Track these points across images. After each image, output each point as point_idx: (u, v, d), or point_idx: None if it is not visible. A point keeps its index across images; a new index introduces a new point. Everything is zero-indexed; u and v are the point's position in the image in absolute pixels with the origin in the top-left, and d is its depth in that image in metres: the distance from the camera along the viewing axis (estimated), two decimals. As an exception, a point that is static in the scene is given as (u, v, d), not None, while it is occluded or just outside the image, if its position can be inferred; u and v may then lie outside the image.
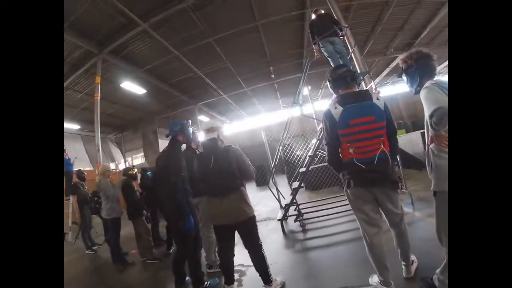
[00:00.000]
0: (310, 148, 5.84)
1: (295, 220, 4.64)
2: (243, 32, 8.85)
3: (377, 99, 2.03)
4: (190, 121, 3.22)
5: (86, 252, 5.32)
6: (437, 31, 11.55)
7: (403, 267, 2.30)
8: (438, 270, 1.91)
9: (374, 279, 2.27)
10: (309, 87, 13.35)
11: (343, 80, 2.16)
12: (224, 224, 2.57)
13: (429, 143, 1.86)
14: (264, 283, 2.61)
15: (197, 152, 3.06)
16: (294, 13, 8.43)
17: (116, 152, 17.16)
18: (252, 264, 2.66)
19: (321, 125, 3.76)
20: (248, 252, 2.64)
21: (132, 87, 10.26)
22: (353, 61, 5.84)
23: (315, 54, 5.28)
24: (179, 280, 2.93)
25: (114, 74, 9.60)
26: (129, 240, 4.81)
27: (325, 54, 5.07)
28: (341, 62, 4.74)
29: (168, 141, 3.00)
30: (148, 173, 5.24)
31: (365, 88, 4.93)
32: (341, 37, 5.15)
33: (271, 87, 14.78)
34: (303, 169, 4.65)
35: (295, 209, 4.71)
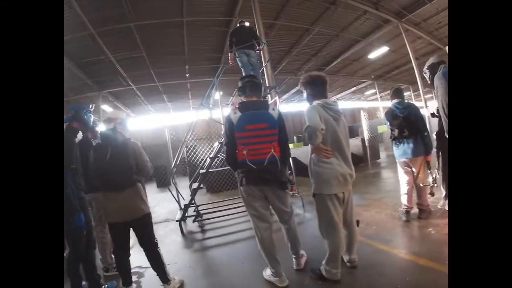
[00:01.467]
0: (213, 151, 6.08)
1: (194, 221, 4.74)
2: (167, 25, 8.64)
3: (273, 109, 2.35)
4: (92, 106, 2.98)
5: None
6: (347, 63, 13.64)
7: (293, 260, 2.62)
8: (323, 261, 2.33)
9: (267, 272, 2.51)
10: (221, 93, 13.82)
11: (245, 89, 2.43)
12: (119, 221, 2.48)
13: (311, 153, 2.31)
14: (162, 282, 2.60)
15: (93, 142, 2.90)
16: (221, 18, 8.73)
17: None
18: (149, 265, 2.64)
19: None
20: (144, 250, 2.60)
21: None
22: (264, 76, 6.43)
23: (230, 61, 5.62)
24: (74, 284, 2.65)
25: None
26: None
27: (239, 63, 5.47)
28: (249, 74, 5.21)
29: None
30: None
31: (264, 100, 5.50)
32: (257, 51, 5.61)
33: (184, 86, 14.59)
34: (203, 171, 4.82)
35: (194, 210, 4.81)
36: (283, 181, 2.36)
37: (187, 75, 12.73)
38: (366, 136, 9.75)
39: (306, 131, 2.15)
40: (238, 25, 5.80)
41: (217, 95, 14.67)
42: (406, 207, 3.45)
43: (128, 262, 2.62)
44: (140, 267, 3.17)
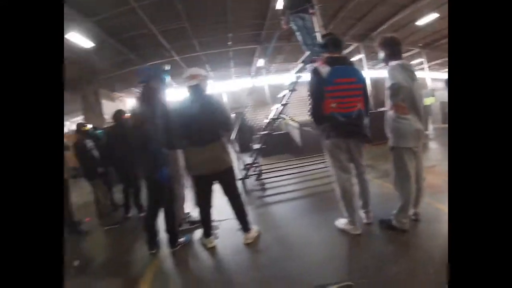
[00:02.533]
0: (268, 116, 6.33)
1: (256, 179, 5.14)
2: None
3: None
4: (168, 67, 3.10)
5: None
6: (393, 29, 12.90)
7: (363, 214, 2.83)
8: (394, 212, 2.55)
9: (341, 221, 2.77)
10: (265, 59, 13.82)
11: (328, 45, 2.61)
12: (205, 174, 2.63)
13: (388, 109, 2.47)
14: (244, 231, 2.80)
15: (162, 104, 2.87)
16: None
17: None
18: (220, 218, 2.93)
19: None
20: (230, 200, 2.79)
21: (78, 39, 8.74)
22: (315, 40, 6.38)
23: (284, 26, 5.58)
24: (151, 239, 2.85)
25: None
26: (80, 207, 4.79)
27: (294, 28, 5.44)
28: (305, 38, 5.24)
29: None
30: (99, 132, 4.99)
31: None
32: (310, 15, 5.58)
33: (226, 54, 14.60)
34: (262, 133, 5.16)
35: (253, 170, 5.18)
36: (367, 135, 2.56)
37: (229, 43, 12.73)
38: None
39: (390, 89, 2.32)
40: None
41: (260, 62, 14.80)
42: None
43: (210, 214, 2.82)
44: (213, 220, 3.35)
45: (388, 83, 2.38)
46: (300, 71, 5.35)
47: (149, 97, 2.71)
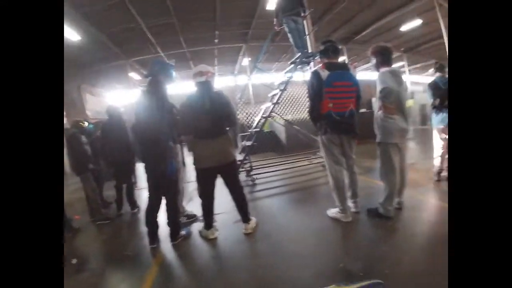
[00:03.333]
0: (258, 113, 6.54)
1: (247, 175, 5.37)
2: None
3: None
4: (173, 62, 3.22)
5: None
6: (377, 33, 13.51)
7: (352, 204, 3.12)
8: (381, 201, 2.88)
9: (332, 210, 3.07)
10: (249, 58, 14.05)
11: (328, 52, 2.90)
12: (211, 166, 2.76)
13: (378, 110, 2.81)
14: (243, 221, 2.97)
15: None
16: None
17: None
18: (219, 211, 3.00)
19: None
20: (232, 193, 2.94)
21: (65, 31, 8.28)
22: (308, 43, 6.69)
23: (276, 27, 5.85)
24: (153, 233, 2.88)
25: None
26: (68, 204, 4.68)
27: (287, 29, 5.72)
28: (297, 40, 5.56)
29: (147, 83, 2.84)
30: (90, 126, 4.76)
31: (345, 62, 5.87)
32: (302, 18, 5.88)
33: (211, 52, 14.74)
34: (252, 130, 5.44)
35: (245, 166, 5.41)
36: (357, 132, 2.89)
37: (216, 40, 12.86)
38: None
39: (381, 92, 2.65)
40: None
41: (244, 61, 15.01)
42: (438, 168, 3.96)
43: (213, 206, 2.94)
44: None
45: (379, 87, 2.71)
46: (290, 71, 5.64)
47: (157, 90, 2.77)
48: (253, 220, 3.07)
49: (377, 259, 2.19)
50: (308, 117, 3.07)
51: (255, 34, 12.84)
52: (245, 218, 2.98)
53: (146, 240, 2.95)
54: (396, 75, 2.79)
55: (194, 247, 2.90)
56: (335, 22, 12.22)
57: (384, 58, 2.85)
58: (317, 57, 6.44)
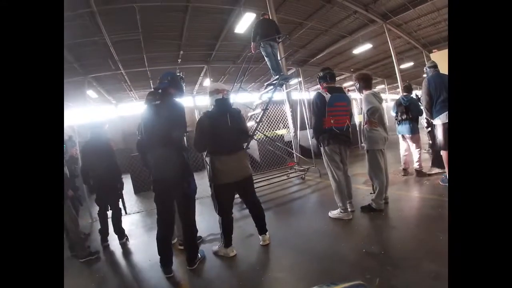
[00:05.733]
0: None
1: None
2: (171, 8, 9.11)
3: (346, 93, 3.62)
4: (183, 73, 3.18)
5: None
6: (331, 56, 15.20)
7: (348, 204, 3.65)
8: (373, 197, 3.57)
9: (334, 212, 3.61)
10: (211, 79, 14.57)
11: (326, 77, 3.61)
12: (231, 181, 2.80)
13: (364, 124, 3.61)
14: (260, 233, 3.07)
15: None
16: (225, 7, 9.47)
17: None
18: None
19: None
20: (251, 206, 3.06)
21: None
22: (281, 65, 7.47)
23: (252, 50, 6.50)
24: (167, 260, 2.64)
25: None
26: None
27: (264, 53, 6.42)
28: (274, 63, 6.32)
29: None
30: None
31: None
32: (278, 43, 6.66)
33: (172, 71, 14.85)
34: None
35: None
36: (352, 142, 3.62)
37: (179, 60, 13.16)
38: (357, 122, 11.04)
39: (370, 110, 3.47)
40: (261, 17, 6.62)
41: (206, 81, 15.45)
42: (403, 166, 5.26)
43: (232, 222, 2.92)
44: (212, 234, 3.63)
45: (366, 107, 3.51)
46: (268, 92, 6.30)
47: (172, 104, 2.67)
48: (268, 233, 3.15)
49: (386, 239, 2.86)
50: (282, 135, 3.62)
51: (218, 56, 13.62)
52: (262, 229, 3.09)
53: (153, 271, 2.78)
54: (377, 96, 3.62)
55: (215, 268, 2.76)
56: (293, 46, 13.48)
57: (366, 83, 3.69)
58: (292, 78, 7.31)
